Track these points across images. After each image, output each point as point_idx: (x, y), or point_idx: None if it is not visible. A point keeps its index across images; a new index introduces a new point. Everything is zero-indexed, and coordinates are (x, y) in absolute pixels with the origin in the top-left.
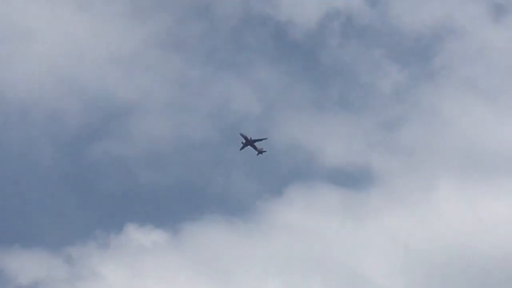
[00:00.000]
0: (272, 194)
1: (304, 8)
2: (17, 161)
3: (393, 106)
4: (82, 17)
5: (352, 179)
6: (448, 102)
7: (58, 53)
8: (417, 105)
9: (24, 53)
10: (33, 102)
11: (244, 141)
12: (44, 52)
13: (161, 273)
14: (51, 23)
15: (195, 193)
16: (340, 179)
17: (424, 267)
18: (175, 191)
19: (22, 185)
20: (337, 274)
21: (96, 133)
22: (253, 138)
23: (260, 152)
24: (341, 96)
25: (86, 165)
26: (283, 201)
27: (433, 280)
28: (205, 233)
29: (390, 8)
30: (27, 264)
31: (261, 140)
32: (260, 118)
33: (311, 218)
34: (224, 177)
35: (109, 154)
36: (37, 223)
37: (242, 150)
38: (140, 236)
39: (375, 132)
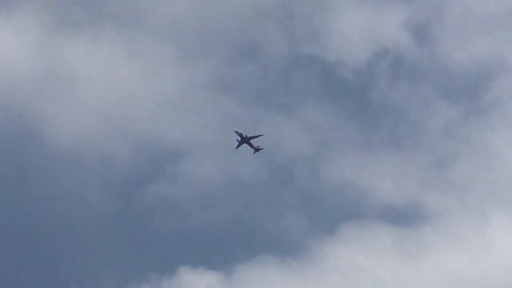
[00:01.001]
0: (324, 233)
1: (352, 48)
2: (70, 205)
3: (444, 143)
4: (131, 62)
5: (405, 217)
6: (499, 138)
7: (109, 98)
8: (468, 142)
9: (75, 98)
10: (84, 146)
11: (239, 138)
12: (95, 97)
13: None
14: (101, 68)
15: (247, 234)
16: (392, 217)
17: None
18: (228, 232)
19: (75, 229)
20: None
21: (147, 176)
22: (248, 136)
23: (257, 150)
24: (391, 134)
25: (138, 208)
26: (336, 240)
27: None
28: (259, 273)
29: (438, 45)
30: None
31: (256, 137)
32: (311, 157)
33: (364, 257)
34: (276, 217)
35: (160, 197)
36: (91, 267)
37: (239, 148)
38: (193, 278)
39: (427, 170)
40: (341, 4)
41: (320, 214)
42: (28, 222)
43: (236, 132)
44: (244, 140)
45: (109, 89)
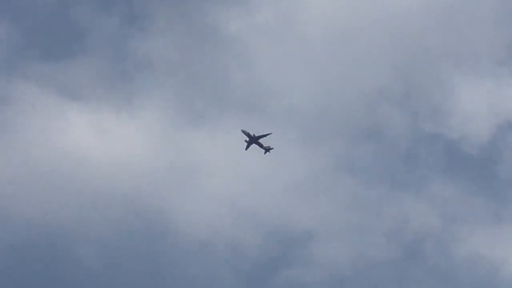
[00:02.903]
0: None
1: (474, 123)
2: None
3: None
4: None
5: None
6: None
7: (234, 186)
8: None
9: (201, 189)
10: (213, 236)
11: (247, 139)
12: (221, 186)
13: None
14: (225, 157)
15: None
16: None
17: None
18: None
19: None
20: None
21: (277, 262)
22: (256, 135)
23: (267, 150)
24: None
25: None
26: None
27: None
28: None
29: None
30: None
31: (265, 136)
32: (440, 233)
33: None
34: None
35: (293, 282)
36: None
37: (248, 149)
38: None
39: None
40: (459, 80)
41: None
42: None
43: (243, 132)
44: (253, 140)
45: (234, 177)
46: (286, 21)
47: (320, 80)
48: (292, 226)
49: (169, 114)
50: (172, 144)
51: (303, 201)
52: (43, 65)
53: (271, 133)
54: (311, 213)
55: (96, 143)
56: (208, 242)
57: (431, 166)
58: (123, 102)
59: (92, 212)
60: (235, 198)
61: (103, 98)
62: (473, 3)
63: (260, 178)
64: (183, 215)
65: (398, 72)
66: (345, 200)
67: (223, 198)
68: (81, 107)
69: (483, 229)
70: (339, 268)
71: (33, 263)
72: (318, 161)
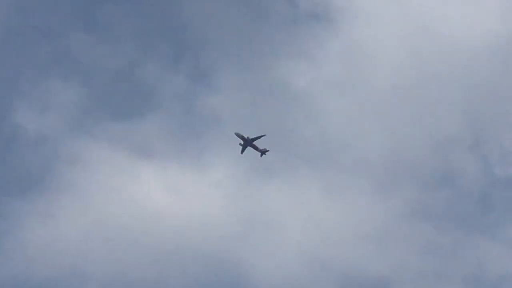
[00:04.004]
0: None
1: None
2: None
3: None
4: (327, 200)
5: None
6: None
7: (308, 238)
8: None
9: (275, 242)
10: (288, 287)
11: (242, 142)
12: (295, 238)
13: None
14: (298, 210)
15: None
16: None
17: None
18: None
19: None
20: None
21: None
22: (250, 137)
23: (263, 152)
24: None
25: None
26: None
27: None
28: None
29: None
30: None
31: (259, 138)
32: None
33: None
34: None
35: None
36: None
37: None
38: None
39: None
40: None
41: None
42: None
43: (237, 135)
44: (247, 142)
45: (308, 228)
46: (353, 73)
47: (391, 129)
48: (367, 274)
49: (239, 169)
50: (243, 199)
51: (378, 249)
52: (113, 124)
53: (265, 135)
54: (386, 260)
55: (168, 200)
56: None
57: (505, 209)
58: (193, 158)
59: (167, 270)
60: (309, 248)
61: (173, 155)
62: None
63: (334, 228)
64: (258, 268)
65: (468, 117)
66: (420, 247)
67: (298, 250)
68: (151, 165)
69: None
70: None
71: None
72: (392, 209)
